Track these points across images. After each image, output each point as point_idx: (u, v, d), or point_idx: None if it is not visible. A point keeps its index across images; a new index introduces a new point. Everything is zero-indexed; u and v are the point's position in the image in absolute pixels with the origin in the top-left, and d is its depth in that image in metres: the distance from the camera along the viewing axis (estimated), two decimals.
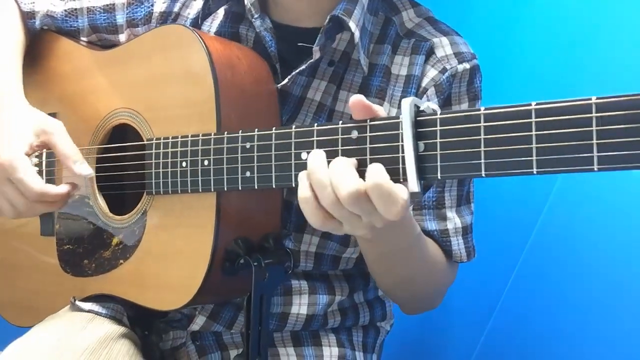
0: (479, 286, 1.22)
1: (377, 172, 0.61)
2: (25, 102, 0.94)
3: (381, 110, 0.65)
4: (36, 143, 0.88)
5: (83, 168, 0.86)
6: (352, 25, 0.85)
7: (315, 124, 0.68)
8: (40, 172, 0.95)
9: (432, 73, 0.88)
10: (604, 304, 1.07)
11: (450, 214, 0.91)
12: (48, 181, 0.93)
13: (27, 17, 1.04)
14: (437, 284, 0.94)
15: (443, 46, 0.89)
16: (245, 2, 0.90)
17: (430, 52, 0.89)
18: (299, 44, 0.88)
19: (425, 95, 0.88)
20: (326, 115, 0.89)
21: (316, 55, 0.86)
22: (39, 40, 1.04)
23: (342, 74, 0.89)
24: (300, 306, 0.92)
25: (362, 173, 0.63)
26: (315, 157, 0.64)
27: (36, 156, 0.96)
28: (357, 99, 0.64)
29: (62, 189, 0.87)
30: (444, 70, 0.88)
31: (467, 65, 0.89)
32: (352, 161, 0.63)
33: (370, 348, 1.01)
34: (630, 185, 1.00)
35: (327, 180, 0.62)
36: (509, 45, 1.24)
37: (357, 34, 0.86)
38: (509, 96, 1.19)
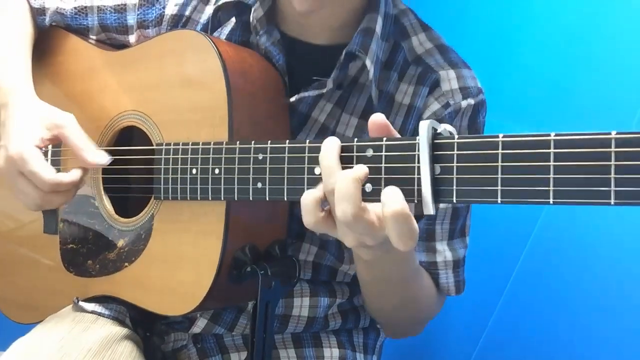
0: (478, 287, 1.23)
1: (398, 200, 0.58)
2: (35, 95, 0.92)
3: (396, 132, 0.65)
4: (47, 137, 0.86)
5: (99, 157, 0.84)
6: (368, 62, 0.84)
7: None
8: None
9: (435, 106, 0.87)
10: (603, 305, 1.08)
11: (441, 247, 0.90)
12: None
13: (37, 13, 1.03)
14: (426, 314, 0.95)
15: (449, 80, 0.88)
16: (251, 18, 0.89)
17: (435, 85, 0.88)
18: (313, 77, 0.87)
19: None
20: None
21: (329, 86, 0.86)
22: (47, 37, 1.02)
23: (348, 97, 0.89)
24: (301, 308, 0.93)
25: (375, 192, 0.63)
26: (328, 144, 0.64)
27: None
28: (379, 117, 0.63)
29: (74, 175, 0.85)
30: (447, 105, 0.87)
31: (471, 101, 0.88)
32: (360, 177, 0.62)
33: (371, 349, 1.02)
34: None
35: (333, 169, 0.63)
36: (507, 46, 1.25)
37: (372, 72, 0.85)
38: (508, 97, 1.19)
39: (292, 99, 0.87)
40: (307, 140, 0.69)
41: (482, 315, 1.24)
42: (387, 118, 0.86)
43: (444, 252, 0.91)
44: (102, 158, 0.85)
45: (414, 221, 0.59)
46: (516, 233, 1.21)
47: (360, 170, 0.62)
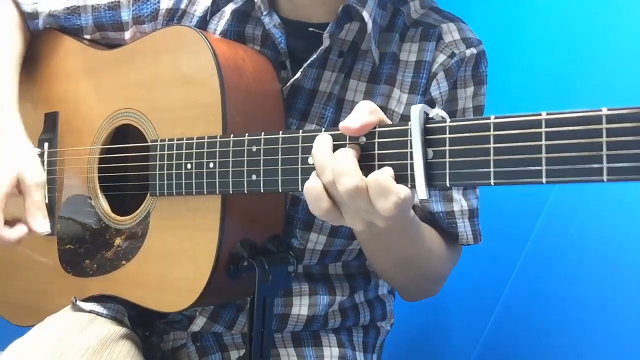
0: (479, 286, 1.23)
1: (382, 169, 0.62)
2: (18, 129, 0.94)
3: (378, 115, 0.65)
4: (9, 190, 0.88)
5: (40, 225, 0.89)
6: (365, 15, 0.86)
7: (323, 129, 0.68)
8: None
9: (441, 58, 0.89)
10: (604, 303, 1.08)
11: (457, 195, 0.91)
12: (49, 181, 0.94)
13: (30, 17, 1.03)
14: (433, 270, 0.93)
15: (451, 32, 0.90)
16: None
17: (439, 38, 0.90)
18: (309, 29, 0.88)
19: (435, 79, 0.88)
20: (334, 104, 0.89)
21: (326, 42, 0.86)
22: (41, 39, 1.03)
23: (351, 63, 0.90)
24: (300, 307, 0.93)
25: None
26: (320, 140, 0.65)
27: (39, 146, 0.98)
28: (342, 126, 0.64)
29: (14, 233, 0.89)
30: (452, 55, 0.89)
31: (474, 50, 0.90)
32: (355, 153, 0.63)
33: (371, 348, 1.02)
34: (630, 184, 1.01)
35: (329, 165, 0.63)
36: (509, 43, 1.25)
37: (369, 25, 0.86)
38: (509, 94, 1.19)
39: (297, 75, 0.87)
40: (300, 131, 0.69)
41: (482, 315, 1.23)
42: (394, 76, 0.89)
43: (460, 201, 0.91)
44: (42, 227, 0.90)
45: (394, 186, 0.60)
46: (517, 232, 1.21)
47: (352, 147, 0.63)
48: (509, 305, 1.20)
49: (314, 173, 0.65)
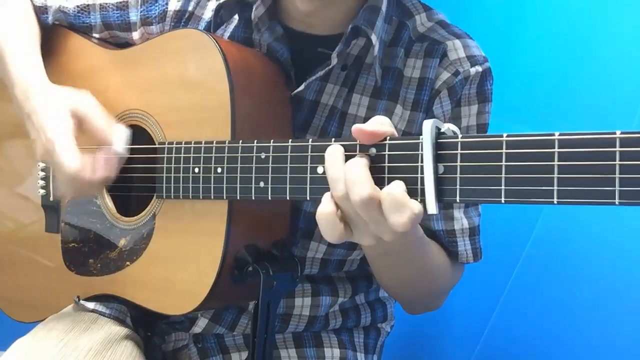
0: (479, 286, 1.23)
1: (395, 184, 0.61)
2: (51, 84, 0.91)
3: (390, 128, 0.64)
4: (74, 123, 0.85)
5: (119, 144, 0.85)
6: (374, 37, 0.85)
7: (333, 139, 0.67)
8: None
9: (444, 76, 0.88)
10: (602, 305, 1.09)
11: (458, 214, 0.91)
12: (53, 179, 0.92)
13: (40, 12, 1.02)
14: (438, 286, 0.94)
15: (456, 49, 0.89)
16: (252, 16, 0.89)
17: (444, 55, 0.89)
18: (319, 49, 0.88)
19: (438, 97, 0.88)
20: (337, 118, 0.89)
21: (334, 61, 0.86)
22: (50, 36, 1.02)
23: (355, 77, 0.89)
24: (302, 308, 0.93)
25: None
26: (332, 152, 0.64)
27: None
28: (355, 128, 0.63)
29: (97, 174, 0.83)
30: (456, 73, 0.88)
31: (479, 69, 0.89)
32: (366, 163, 0.63)
33: (372, 349, 1.02)
34: None
35: (342, 178, 0.62)
36: (508, 48, 1.25)
37: (376, 47, 0.85)
38: (509, 99, 1.19)
39: (300, 88, 0.87)
40: (310, 140, 0.69)
41: (482, 315, 1.24)
42: (398, 93, 0.88)
43: (460, 220, 0.91)
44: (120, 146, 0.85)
45: (409, 201, 0.60)
46: (516, 234, 1.21)
47: (363, 157, 0.63)
48: (508, 306, 1.21)
49: (325, 197, 0.64)
